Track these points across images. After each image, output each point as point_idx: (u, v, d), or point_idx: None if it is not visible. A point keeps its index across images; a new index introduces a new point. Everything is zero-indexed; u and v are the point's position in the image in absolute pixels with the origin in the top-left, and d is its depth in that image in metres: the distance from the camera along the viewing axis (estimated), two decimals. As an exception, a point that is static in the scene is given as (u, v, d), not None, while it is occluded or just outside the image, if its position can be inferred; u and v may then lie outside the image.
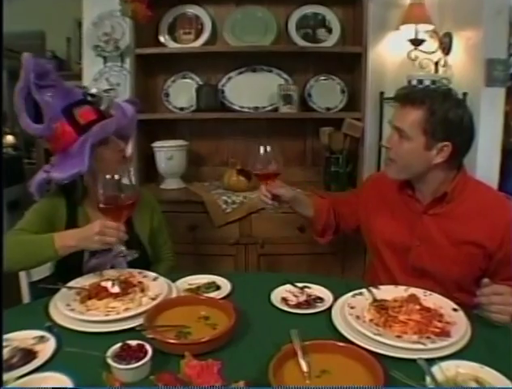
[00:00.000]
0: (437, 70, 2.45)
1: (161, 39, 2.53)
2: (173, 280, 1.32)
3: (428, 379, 0.85)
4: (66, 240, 1.29)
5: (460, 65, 2.39)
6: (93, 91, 1.48)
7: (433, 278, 1.39)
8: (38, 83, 1.39)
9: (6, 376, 0.83)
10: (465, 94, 2.29)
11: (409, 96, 1.35)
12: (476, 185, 1.43)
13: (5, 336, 0.97)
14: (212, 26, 2.52)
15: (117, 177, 1.24)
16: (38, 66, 1.40)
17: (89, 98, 1.47)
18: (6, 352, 0.91)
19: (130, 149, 1.67)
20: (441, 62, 2.44)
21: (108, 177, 1.23)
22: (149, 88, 2.59)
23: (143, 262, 1.54)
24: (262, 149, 1.48)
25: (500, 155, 2.21)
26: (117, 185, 1.24)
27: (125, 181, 1.28)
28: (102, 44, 2.54)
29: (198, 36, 2.52)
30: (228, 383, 0.66)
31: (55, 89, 1.41)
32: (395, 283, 1.33)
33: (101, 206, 1.24)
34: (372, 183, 1.65)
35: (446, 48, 2.43)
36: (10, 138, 6.75)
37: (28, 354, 0.91)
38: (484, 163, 2.19)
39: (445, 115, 1.29)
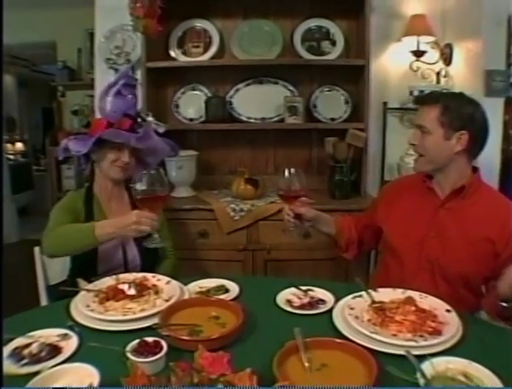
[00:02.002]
0: (438, 81, 2.52)
1: (171, 53, 2.63)
2: (185, 284, 1.40)
3: (418, 372, 0.93)
4: (106, 228, 1.48)
5: (461, 75, 2.46)
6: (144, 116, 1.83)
7: (443, 272, 1.48)
8: (120, 90, 1.73)
9: (38, 366, 0.93)
10: (465, 104, 2.37)
11: (426, 97, 1.56)
12: (489, 187, 1.58)
13: (31, 333, 1.07)
14: (220, 39, 2.62)
15: (128, 160, 1.45)
16: (129, 78, 1.76)
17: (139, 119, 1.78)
18: (34, 346, 1.00)
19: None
20: (443, 73, 2.51)
21: (144, 172, 1.41)
22: (159, 100, 2.69)
23: (154, 256, 1.78)
24: (286, 171, 1.55)
25: (500, 163, 2.27)
26: (152, 180, 1.41)
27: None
28: (114, 57, 2.64)
29: (206, 49, 2.62)
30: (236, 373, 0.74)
31: (125, 99, 1.74)
32: (407, 277, 1.44)
33: (139, 197, 1.40)
34: (389, 189, 1.76)
35: (447, 58, 2.50)
36: (19, 146, 6.90)
37: (54, 349, 1.00)
38: (485, 171, 2.21)
39: (458, 109, 1.44)
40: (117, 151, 1.69)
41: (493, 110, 2.24)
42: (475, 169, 1.54)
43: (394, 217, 1.62)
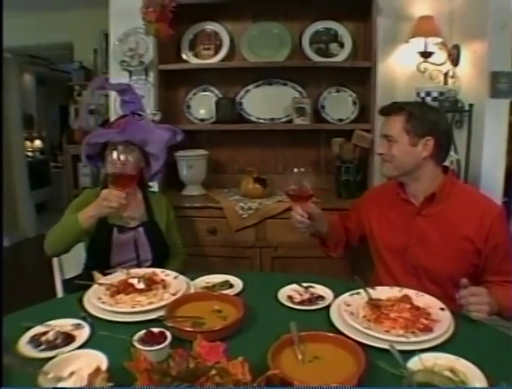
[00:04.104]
0: (446, 82, 2.54)
1: (183, 55, 2.70)
2: (192, 279, 1.47)
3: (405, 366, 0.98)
4: (87, 212, 1.61)
5: (467, 76, 2.47)
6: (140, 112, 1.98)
7: (429, 275, 1.53)
8: (121, 97, 1.97)
9: (54, 352, 1.02)
10: (471, 105, 2.39)
11: (390, 107, 1.57)
12: (463, 186, 1.63)
13: (48, 322, 1.16)
14: (230, 41, 2.68)
15: (122, 157, 1.63)
16: (114, 86, 2.03)
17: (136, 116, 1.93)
18: (51, 334, 1.09)
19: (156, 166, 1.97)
20: (450, 74, 2.52)
21: (114, 157, 1.61)
22: (171, 100, 2.77)
23: (164, 251, 1.89)
24: (295, 170, 1.52)
25: (504, 163, 2.29)
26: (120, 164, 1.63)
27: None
28: (127, 60, 2.70)
29: (217, 52, 2.68)
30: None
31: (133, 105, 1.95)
32: (397, 283, 1.47)
33: (109, 178, 1.61)
34: (371, 196, 1.81)
35: (455, 59, 2.51)
36: (37, 143, 7.06)
37: (68, 337, 1.10)
38: (489, 171, 2.28)
39: (422, 116, 1.49)
40: (113, 151, 1.80)
41: (498, 112, 2.27)
42: (446, 170, 1.58)
43: (377, 229, 1.66)
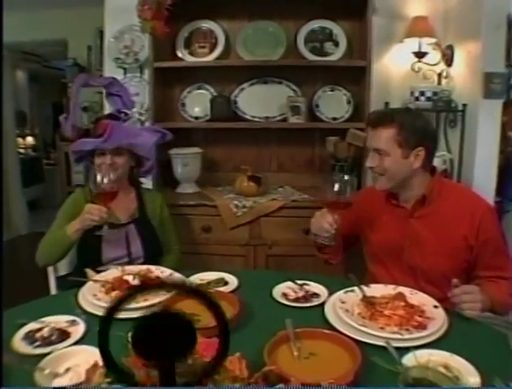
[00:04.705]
0: (439, 82, 2.56)
1: (178, 53, 2.70)
2: (187, 276, 1.47)
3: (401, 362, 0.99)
4: (74, 226, 1.67)
5: (461, 77, 2.49)
6: (127, 111, 1.98)
7: (425, 275, 1.54)
8: (107, 90, 2.00)
9: (49, 348, 1.02)
10: (465, 105, 2.41)
11: (378, 118, 1.53)
12: (453, 185, 1.64)
13: (43, 319, 1.15)
14: (226, 40, 2.68)
15: (105, 179, 1.61)
16: (99, 81, 2.03)
17: (122, 115, 1.92)
18: (45, 331, 1.09)
19: (147, 164, 1.96)
20: (444, 74, 2.54)
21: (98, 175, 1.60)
22: (166, 98, 2.76)
23: (156, 248, 1.89)
24: (336, 186, 1.47)
25: (497, 163, 2.31)
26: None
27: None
28: (122, 57, 2.69)
29: (212, 50, 2.68)
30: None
31: (119, 99, 1.96)
32: (396, 283, 1.47)
33: (93, 194, 1.66)
34: (362, 199, 1.74)
35: (449, 60, 2.53)
36: (30, 140, 7.01)
37: (63, 333, 1.09)
38: (482, 171, 2.30)
39: (412, 125, 1.48)
40: (101, 155, 1.80)
41: (491, 112, 2.29)
42: (433, 170, 1.59)
43: (371, 233, 1.66)
